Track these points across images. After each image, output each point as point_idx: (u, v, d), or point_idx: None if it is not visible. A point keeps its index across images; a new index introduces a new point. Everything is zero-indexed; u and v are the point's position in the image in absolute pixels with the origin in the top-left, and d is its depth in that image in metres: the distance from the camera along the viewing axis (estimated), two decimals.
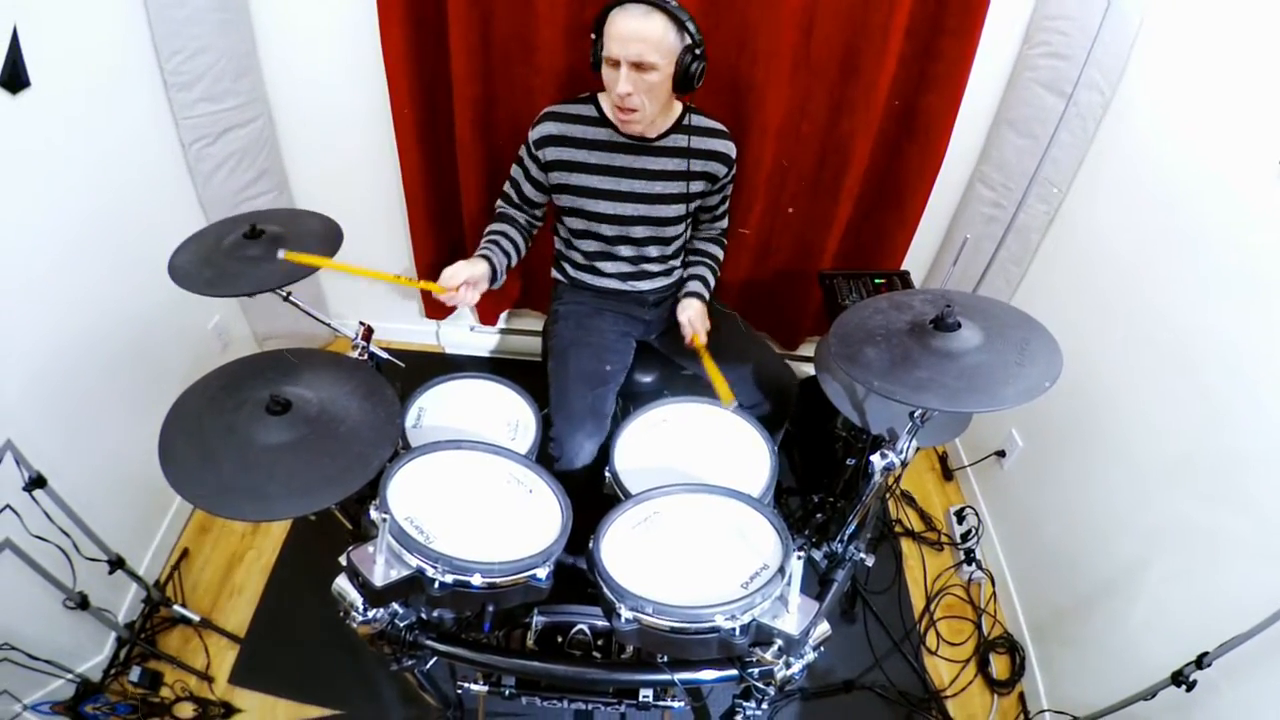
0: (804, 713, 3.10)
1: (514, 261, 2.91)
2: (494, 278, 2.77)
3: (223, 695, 3.02)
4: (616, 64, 2.47)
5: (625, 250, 2.99)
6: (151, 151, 3.13)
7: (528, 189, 2.92)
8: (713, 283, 3.11)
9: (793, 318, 4.18)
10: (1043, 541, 3.30)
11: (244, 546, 3.55)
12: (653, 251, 3.01)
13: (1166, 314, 2.60)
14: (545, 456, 2.64)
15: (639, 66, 2.45)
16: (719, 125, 2.86)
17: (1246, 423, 2.26)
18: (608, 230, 2.92)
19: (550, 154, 2.78)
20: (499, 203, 3.04)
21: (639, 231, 2.92)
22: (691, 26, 2.44)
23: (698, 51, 2.48)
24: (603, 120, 2.76)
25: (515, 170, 2.93)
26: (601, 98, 2.76)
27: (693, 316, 2.90)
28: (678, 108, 2.79)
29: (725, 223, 3.19)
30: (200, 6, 2.97)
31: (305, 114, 3.60)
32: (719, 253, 3.19)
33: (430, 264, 3.94)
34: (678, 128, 2.78)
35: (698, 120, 2.80)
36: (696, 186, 2.88)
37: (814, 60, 3.14)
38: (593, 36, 2.53)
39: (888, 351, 1.96)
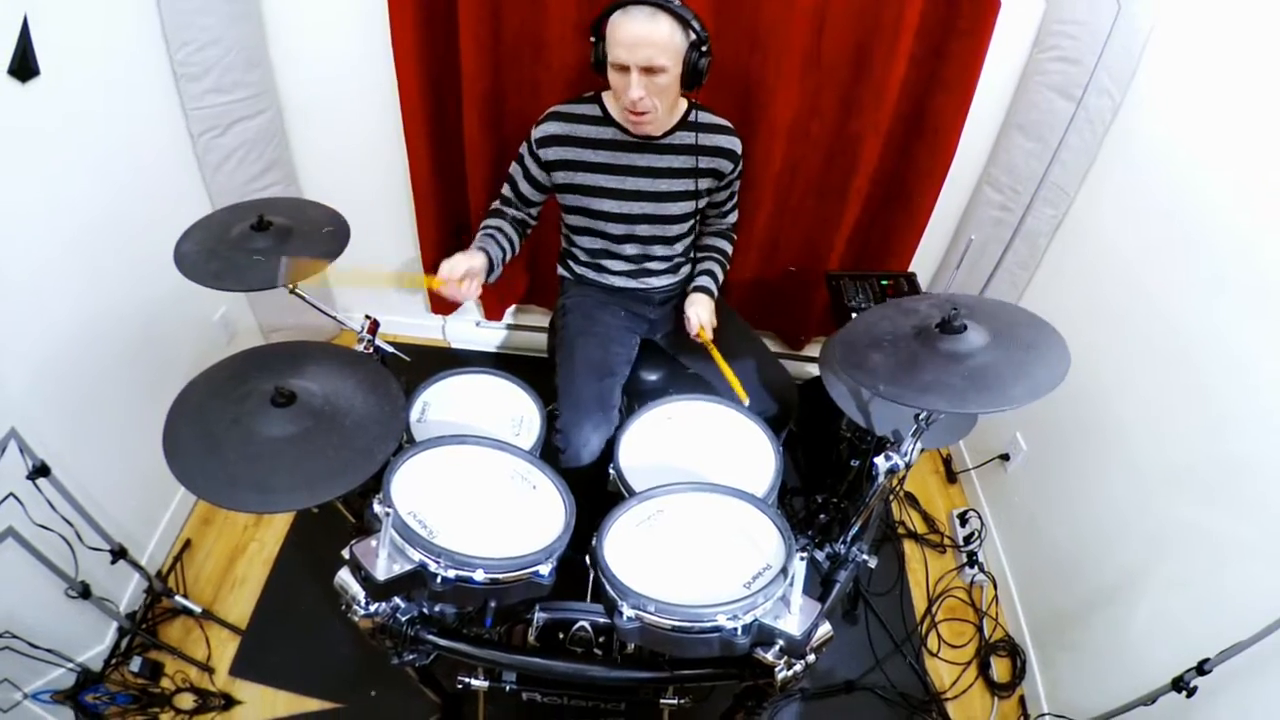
0: (805, 713, 3.11)
1: (509, 256, 2.90)
2: (490, 270, 2.76)
3: (223, 687, 3.02)
4: (625, 69, 2.45)
5: (629, 249, 2.98)
6: (160, 142, 3.13)
7: (524, 187, 2.92)
8: (721, 278, 3.10)
9: (799, 318, 4.18)
10: (1045, 545, 3.30)
11: (247, 538, 3.56)
12: (657, 250, 3.00)
13: (1172, 320, 2.60)
14: (549, 453, 2.63)
15: (649, 70, 2.44)
16: (724, 122, 2.84)
17: (1251, 428, 2.26)
18: (613, 228, 2.92)
19: (553, 153, 2.77)
20: (496, 201, 3.03)
21: (644, 230, 2.92)
22: (696, 24, 2.42)
23: (704, 48, 2.46)
24: (607, 119, 2.74)
25: (514, 168, 2.92)
26: (606, 97, 2.75)
27: (700, 311, 2.89)
28: (683, 104, 2.77)
29: (734, 217, 3.18)
30: None
31: (314, 106, 3.60)
32: (728, 248, 3.18)
33: (436, 256, 3.88)
34: (683, 125, 2.77)
35: (703, 117, 2.78)
36: (704, 183, 2.86)
37: (825, 59, 3.13)
38: (592, 39, 2.51)
39: (893, 355, 1.96)
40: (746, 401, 2.58)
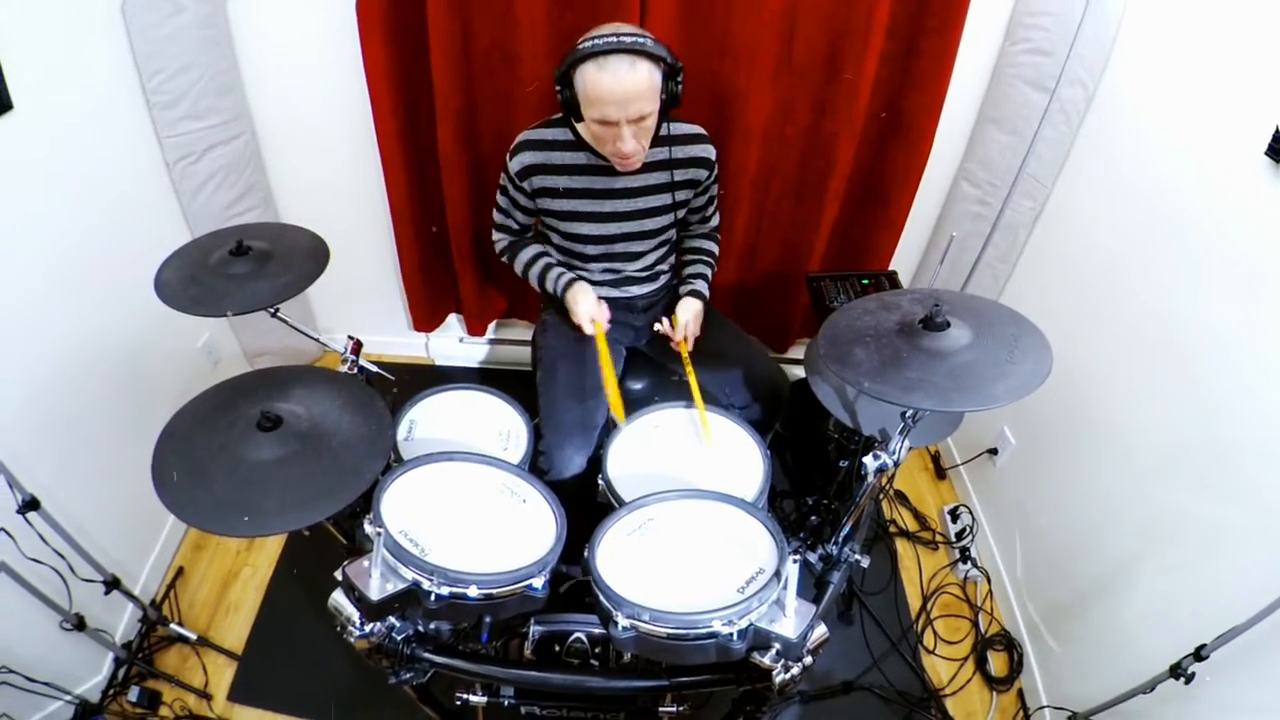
0: (804, 715, 3.10)
1: None
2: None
3: (221, 713, 3.02)
4: (612, 123, 2.40)
5: (608, 265, 2.97)
6: (136, 171, 3.13)
7: (520, 216, 2.92)
8: (711, 280, 3.10)
9: (781, 320, 4.19)
10: (1038, 537, 3.30)
11: (239, 563, 3.55)
12: (637, 263, 2.99)
13: (1155, 306, 2.60)
14: (538, 466, 2.64)
15: (639, 119, 2.40)
16: (696, 129, 2.80)
17: (1239, 412, 2.26)
18: (590, 249, 2.91)
19: (535, 183, 2.74)
20: (500, 236, 3.03)
21: (621, 248, 2.92)
22: (669, 55, 2.36)
23: (678, 77, 2.42)
24: (580, 144, 2.69)
25: (503, 200, 2.90)
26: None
27: (689, 318, 2.90)
28: None
29: (717, 219, 3.15)
30: (182, 25, 2.96)
31: (289, 129, 3.59)
32: (715, 249, 3.16)
33: (416, 274, 3.96)
34: (655, 140, 2.67)
35: (675, 127, 2.73)
36: (681, 195, 2.84)
37: (796, 62, 3.14)
38: (558, 88, 2.44)
39: (877, 352, 1.96)
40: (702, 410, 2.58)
